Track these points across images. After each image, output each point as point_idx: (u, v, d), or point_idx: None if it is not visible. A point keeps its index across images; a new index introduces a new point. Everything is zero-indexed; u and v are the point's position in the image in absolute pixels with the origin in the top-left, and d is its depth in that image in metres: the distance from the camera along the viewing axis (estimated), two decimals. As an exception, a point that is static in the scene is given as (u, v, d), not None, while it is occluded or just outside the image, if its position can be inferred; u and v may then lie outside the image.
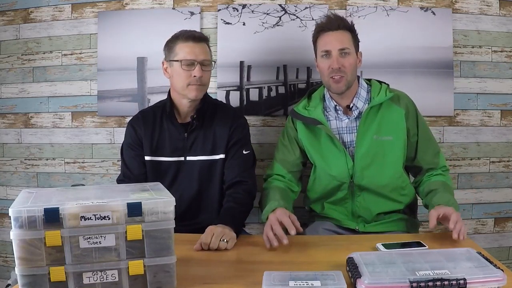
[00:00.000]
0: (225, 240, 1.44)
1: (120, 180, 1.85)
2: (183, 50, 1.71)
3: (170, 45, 1.76)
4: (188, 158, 1.79)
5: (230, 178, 1.77)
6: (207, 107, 1.82)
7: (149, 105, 2.03)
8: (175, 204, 1.10)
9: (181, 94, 1.76)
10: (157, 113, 1.84)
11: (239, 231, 1.58)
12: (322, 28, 1.74)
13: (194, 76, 1.70)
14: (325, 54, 1.72)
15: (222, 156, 1.79)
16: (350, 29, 1.73)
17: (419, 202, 1.85)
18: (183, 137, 1.79)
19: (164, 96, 1.89)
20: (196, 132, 1.79)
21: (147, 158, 1.81)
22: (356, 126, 1.75)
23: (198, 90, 1.72)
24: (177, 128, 1.80)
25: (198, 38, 1.74)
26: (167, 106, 1.80)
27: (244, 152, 1.80)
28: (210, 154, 1.79)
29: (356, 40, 1.75)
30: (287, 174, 1.82)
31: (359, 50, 1.78)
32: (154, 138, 1.81)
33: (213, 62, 1.78)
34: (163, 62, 1.80)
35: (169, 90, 1.84)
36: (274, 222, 1.46)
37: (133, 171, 1.82)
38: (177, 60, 1.72)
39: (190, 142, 1.79)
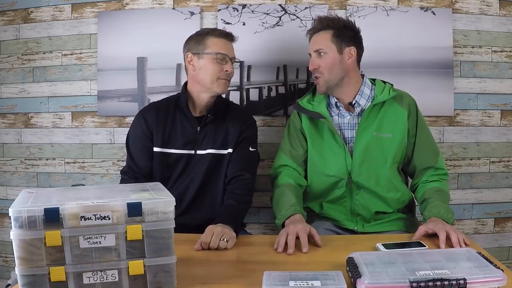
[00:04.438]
0: (225, 240, 1.44)
1: (124, 172, 1.83)
2: (217, 45, 1.74)
3: (199, 38, 1.77)
4: (198, 151, 1.79)
5: (232, 172, 1.77)
6: (220, 103, 1.83)
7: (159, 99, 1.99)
8: (174, 204, 1.10)
9: (206, 87, 1.76)
10: (170, 106, 1.84)
11: (238, 230, 1.58)
12: (309, 33, 1.83)
13: (226, 70, 1.73)
14: (310, 56, 1.79)
15: (230, 150, 1.79)
16: (332, 27, 1.75)
17: (417, 202, 1.85)
18: (196, 130, 1.79)
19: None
20: (208, 126, 1.79)
21: (156, 149, 1.80)
22: (358, 123, 1.76)
23: (226, 85, 1.76)
24: (191, 121, 1.80)
25: (232, 36, 1.79)
26: (182, 99, 1.80)
27: (251, 149, 1.82)
28: (219, 148, 1.79)
29: (340, 37, 1.74)
30: (297, 167, 1.83)
31: (351, 45, 1.75)
32: (166, 130, 1.80)
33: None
34: (187, 55, 1.78)
35: (185, 84, 1.83)
36: (292, 233, 1.45)
37: (138, 163, 1.80)
38: (209, 53, 1.73)
39: (202, 136, 1.79)
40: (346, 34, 1.76)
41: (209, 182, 1.80)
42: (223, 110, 1.83)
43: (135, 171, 1.79)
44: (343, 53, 1.75)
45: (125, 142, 1.88)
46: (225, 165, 1.79)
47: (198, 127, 1.79)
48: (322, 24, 1.77)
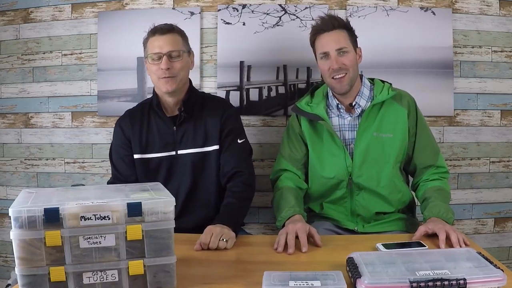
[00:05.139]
0: (224, 240, 1.44)
1: (110, 183, 1.82)
2: (151, 45, 1.71)
3: (144, 43, 1.77)
4: (180, 152, 1.77)
5: (227, 170, 1.75)
6: (194, 99, 1.80)
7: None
8: (174, 204, 1.10)
9: (157, 88, 1.76)
10: (145, 110, 1.82)
11: (238, 229, 1.57)
12: (317, 30, 1.75)
13: (162, 68, 1.68)
14: (323, 56, 1.73)
15: (215, 147, 1.77)
16: (345, 27, 1.74)
17: (417, 201, 1.85)
18: (172, 130, 1.77)
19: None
20: (185, 125, 1.77)
21: (136, 156, 1.78)
22: (358, 124, 1.75)
23: (168, 82, 1.69)
24: (166, 122, 1.78)
25: (164, 29, 1.71)
26: (154, 101, 1.79)
27: (239, 141, 1.79)
28: (202, 146, 1.77)
29: (353, 37, 1.76)
30: (296, 171, 1.82)
31: (358, 46, 1.78)
32: (143, 135, 1.79)
33: (187, 52, 1.75)
34: (144, 61, 1.79)
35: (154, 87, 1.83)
36: (291, 232, 1.45)
37: (122, 172, 1.80)
38: (147, 56, 1.72)
39: (180, 135, 1.77)
40: (354, 35, 1.77)
41: (199, 182, 1.78)
42: (199, 106, 1.79)
43: (121, 180, 1.77)
44: (357, 53, 1.76)
45: (109, 154, 1.87)
46: (213, 163, 1.77)
47: (174, 127, 1.77)
48: (337, 22, 1.73)
